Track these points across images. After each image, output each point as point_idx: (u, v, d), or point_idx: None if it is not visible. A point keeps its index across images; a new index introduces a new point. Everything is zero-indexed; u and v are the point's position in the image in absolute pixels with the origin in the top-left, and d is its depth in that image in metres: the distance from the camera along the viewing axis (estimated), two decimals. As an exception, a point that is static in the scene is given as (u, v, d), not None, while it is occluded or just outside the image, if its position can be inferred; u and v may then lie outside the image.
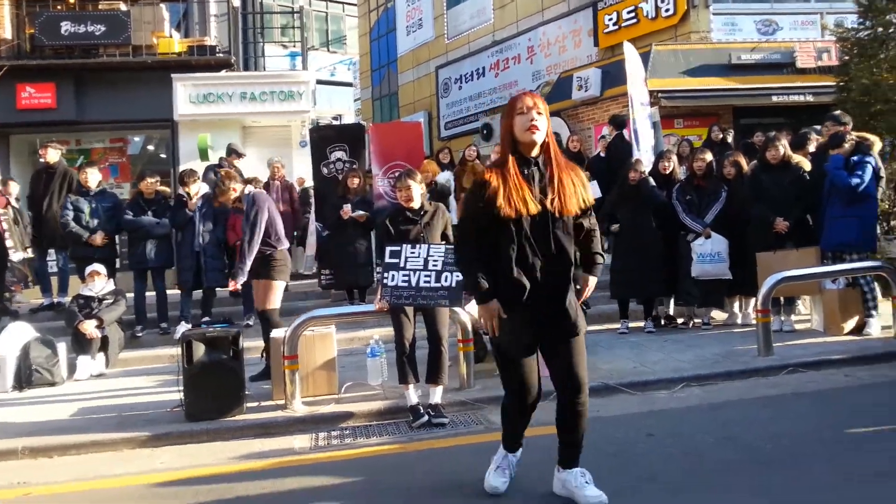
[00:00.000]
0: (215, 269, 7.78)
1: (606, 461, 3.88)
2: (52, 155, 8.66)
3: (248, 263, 5.80)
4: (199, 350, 5.25)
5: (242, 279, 5.89)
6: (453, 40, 20.93)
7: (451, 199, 8.60)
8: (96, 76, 12.72)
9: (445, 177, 9.03)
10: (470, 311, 5.74)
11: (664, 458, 3.91)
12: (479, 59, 19.47)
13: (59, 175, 8.60)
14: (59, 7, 13.26)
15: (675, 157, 8.26)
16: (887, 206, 8.55)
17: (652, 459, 3.92)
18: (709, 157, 7.62)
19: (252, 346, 6.33)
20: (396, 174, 6.83)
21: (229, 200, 6.14)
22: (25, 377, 6.44)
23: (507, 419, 3.48)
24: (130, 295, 7.80)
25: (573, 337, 3.21)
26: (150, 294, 7.98)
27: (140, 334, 7.83)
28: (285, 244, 6.11)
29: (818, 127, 7.93)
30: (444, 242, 5.12)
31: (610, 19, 15.57)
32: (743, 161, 7.64)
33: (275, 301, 5.96)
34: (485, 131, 17.86)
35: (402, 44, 23.29)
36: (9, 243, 7.99)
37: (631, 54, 10.73)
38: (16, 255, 8.17)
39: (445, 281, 4.94)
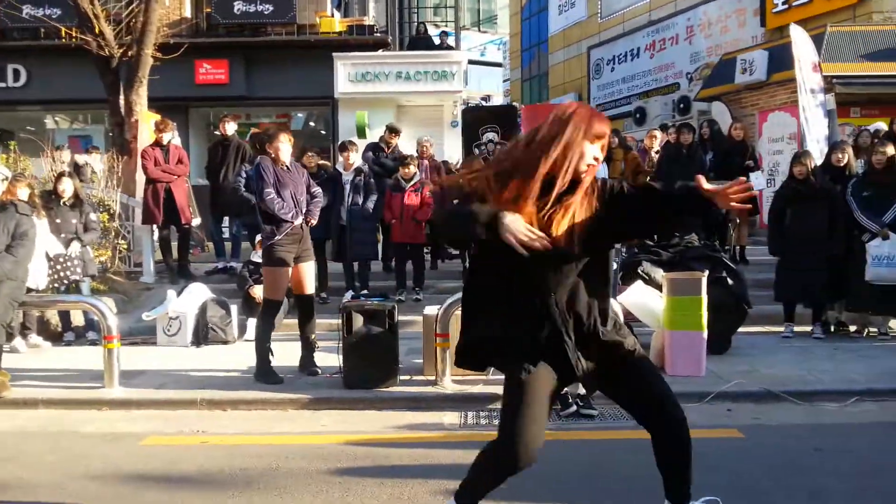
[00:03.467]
0: (362, 243, 8.03)
1: (771, 471, 3.73)
2: (230, 128, 9.34)
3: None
4: (358, 321, 5.50)
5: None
6: (607, 20, 20.41)
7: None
8: (264, 54, 13.53)
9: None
10: (621, 302, 5.65)
11: (833, 474, 3.69)
12: (634, 40, 18.88)
13: (233, 147, 9.25)
14: (233, -14, 14.17)
15: (850, 149, 7.65)
16: None
17: (821, 474, 3.70)
18: (890, 150, 6.96)
19: (403, 320, 6.52)
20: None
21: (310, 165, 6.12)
22: (203, 334, 7.01)
23: None
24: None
25: None
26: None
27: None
28: None
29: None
30: None
31: (780, -2, 14.61)
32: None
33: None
34: (637, 115, 17.32)
35: (554, 23, 22.98)
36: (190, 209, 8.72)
37: (798, 37, 10.06)
38: (195, 221, 8.90)
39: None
